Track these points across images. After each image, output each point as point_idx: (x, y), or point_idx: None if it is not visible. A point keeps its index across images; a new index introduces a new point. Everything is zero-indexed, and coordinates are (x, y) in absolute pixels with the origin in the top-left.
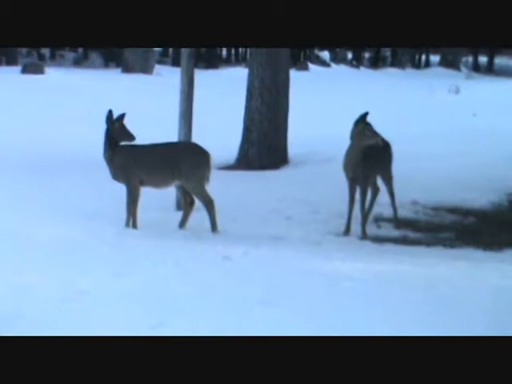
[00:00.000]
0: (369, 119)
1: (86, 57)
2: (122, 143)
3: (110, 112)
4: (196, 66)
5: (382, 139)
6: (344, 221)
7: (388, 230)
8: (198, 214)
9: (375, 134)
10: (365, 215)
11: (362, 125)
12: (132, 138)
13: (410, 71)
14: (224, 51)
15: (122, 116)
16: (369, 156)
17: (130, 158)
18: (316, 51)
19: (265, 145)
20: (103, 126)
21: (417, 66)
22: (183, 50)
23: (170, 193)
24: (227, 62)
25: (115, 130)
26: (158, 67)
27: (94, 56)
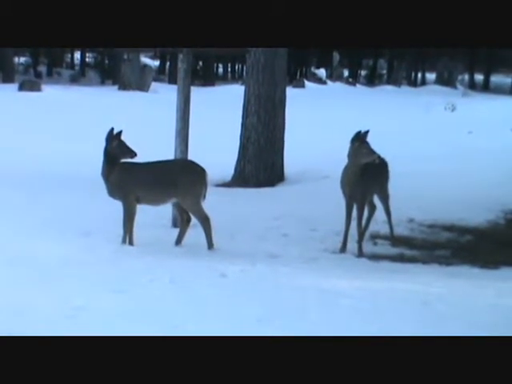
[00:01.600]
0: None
1: (82, 74)
2: (121, 160)
3: (112, 130)
4: (192, 83)
5: (379, 157)
6: (340, 238)
7: (384, 248)
8: (195, 231)
9: (372, 152)
10: (361, 233)
11: (358, 143)
12: (133, 154)
13: (406, 89)
14: (221, 68)
15: (118, 133)
16: (366, 174)
17: (126, 176)
18: (312, 68)
19: (261, 162)
20: (100, 143)
21: (413, 83)
22: (179, 67)
23: (166, 210)
24: (224, 79)
25: (113, 148)
26: (154, 84)
27: (91, 73)
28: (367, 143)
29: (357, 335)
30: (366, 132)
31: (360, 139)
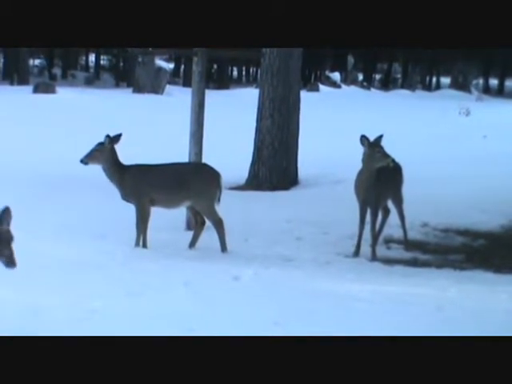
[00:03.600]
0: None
1: (97, 76)
2: (133, 164)
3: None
4: (207, 86)
5: (393, 161)
6: (354, 242)
7: (398, 252)
8: (208, 234)
9: (386, 155)
10: (375, 237)
11: (372, 147)
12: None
13: (420, 93)
14: (235, 71)
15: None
16: (380, 179)
17: (140, 178)
18: (327, 72)
19: (275, 165)
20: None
21: (427, 87)
22: (194, 70)
23: (180, 213)
24: (238, 82)
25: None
26: (168, 87)
27: (106, 76)
28: (381, 147)
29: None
30: (380, 136)
31: (374, 143)
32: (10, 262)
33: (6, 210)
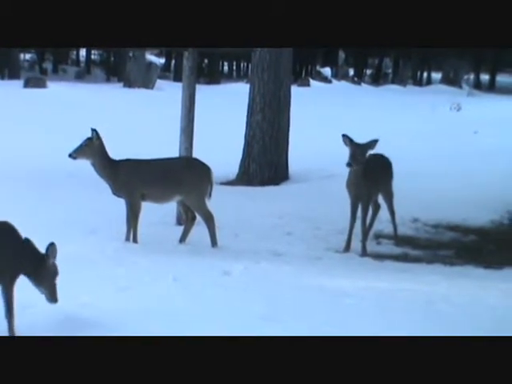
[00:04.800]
0: (371, 136)
1: (88, 71)
2: (123, 159)
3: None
4: (198, 81)
5: (382, 156)
6: (344, 237)
7: (388, 247)
8: (198, 229)
9: (358, 160)
10: (365, 232)
11: (353, 148)
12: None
13: (411, 88)
14: (226, 66)
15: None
16: (370, 174)
17: (131, 173)
18: (318, 67)
19: (266, 160)
20: (105, 141)
21: (418, 82)
22: (185, 64)
23: (170, 208)
24: (229, 77)
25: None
26: (159, 82)
27: (96, 70)
28: (361, 149)
29: (359, 335)
30: (374, 141)
31: (354, 144)
32: (52, 298)
33: (52, 246)
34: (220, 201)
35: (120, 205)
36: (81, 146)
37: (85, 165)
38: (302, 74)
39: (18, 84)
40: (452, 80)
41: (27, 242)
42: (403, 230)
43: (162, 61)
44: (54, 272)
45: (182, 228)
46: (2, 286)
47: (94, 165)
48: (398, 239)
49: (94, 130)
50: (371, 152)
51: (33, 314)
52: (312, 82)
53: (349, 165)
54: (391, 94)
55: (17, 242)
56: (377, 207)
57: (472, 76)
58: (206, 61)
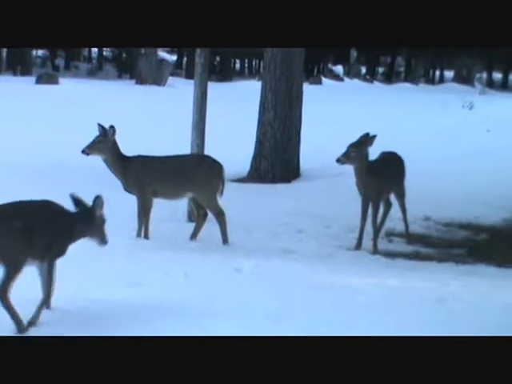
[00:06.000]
0: (383, 135)
1: (100, 68)
2: (135, 155)
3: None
4: (209, 78)
5: (395, 154)
6: (356, 235)
7: (400, 245)
8: (210, 225)
9: (353, 158)
10: (377, 230)
11: (349, 147)
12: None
13: (423, 86)
14: (238, 64)
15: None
16: (381, 172)
17: (143, 170)
18: (330, 65)
19: (277, 158)
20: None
21: (431, 81)
22: (197, 61)
23: (181, 204)
24: (241, 74)
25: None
26: (171, 79)
27: (108, 67)
28: (356, 147)
29: (369, 334)
30: (371, 136)
31: (351, 143)
32: (103, 241)
33: (99, 198)
34: (231, 198)
35: (131, 201)
36: (93, 142)
37: (96, 161)
38: (314, 71)
39: (30, 80)
40: (464, 78)
41: (78, 202)
42: (415, 228)
43: (174, 58)
44: (102, 221)
45: (192, 224)
46: (54, 259)
47: (106, 161)
48: (410, 237)
49: (111, 127)
50: (373, 149)
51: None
52: (324, 79)
53: (337, 160)
54: (403, 93)
55: (68, 215)
56: (388, 205)
57: (484, 74)
58: (218, 58)
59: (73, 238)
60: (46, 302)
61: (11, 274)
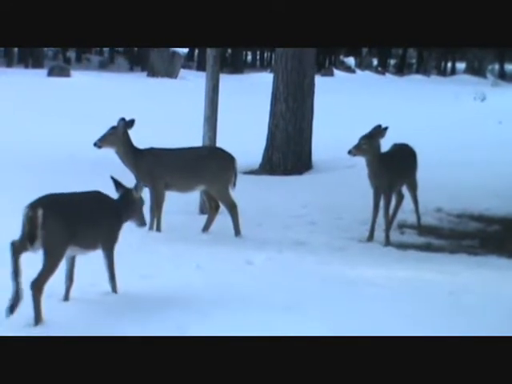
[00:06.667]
0: (395, 127)
1: (111, 60)
2: (147, 147)
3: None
4: (221, 70)
5: (407, 145)
6: (367, 227)
7: (412, 237)
8: (222, 218)
9: (363, 149)
10: (389, 222)
11: (360, 139)
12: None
13: (435, 78)
14: (249, 56)
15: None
16: (393, 164)
17: (155, 162)
18: (341, 57)
19: (289, 150)
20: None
21: (442, 72)
22: (209, 54)
23: (193, 196)
24: (252, 66)
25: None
26: (183, 71)
27: (120, 60)
28: (366, 139)
29: (378, 328)
30: (380, 128)
31: (363, 136)
32: (142, 223)
33: (139, 183)
34: (243, 190)
35: (144, 193)
36: (105, 134)
37: (109, 153)
38: (326, 63)
39: (41, 73)
40: (476, 70)
41: (118, 184)
42: (427, 219)
43: (186, 50)
44: (141, 203)
45: (204, 217)
46: (110, 247)
47: (118, 153)
48: (422, 229)
49: (122, 119)
50: (385, 141)
51: (56, 302)
52: (335, 71)
53: (349, 152)
54: (415, 84)
55: (115, 204)
56: (400, 197)
57: (496, 66)
58: (229, 50)
59: (122, 222)
60: (113, 287)
61: (52, 264)
